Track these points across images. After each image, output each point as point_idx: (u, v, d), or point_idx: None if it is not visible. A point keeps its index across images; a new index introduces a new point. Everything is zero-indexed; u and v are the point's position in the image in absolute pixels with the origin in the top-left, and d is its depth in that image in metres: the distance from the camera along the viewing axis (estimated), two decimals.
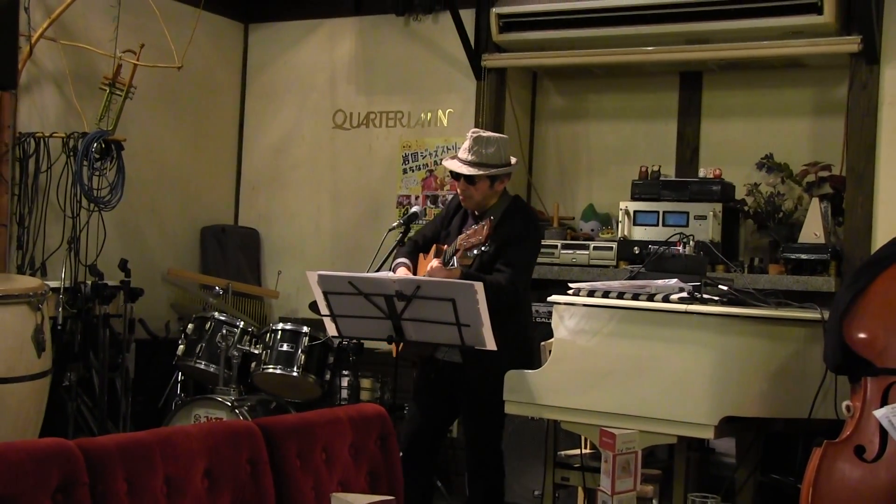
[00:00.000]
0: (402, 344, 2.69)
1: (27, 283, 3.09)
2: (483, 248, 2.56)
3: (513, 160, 2.84)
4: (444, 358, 2.82)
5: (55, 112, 3.93)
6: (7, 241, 3.70)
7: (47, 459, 1.54)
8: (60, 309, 3.48)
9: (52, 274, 3.68)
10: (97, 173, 3.70)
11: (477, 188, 2.78)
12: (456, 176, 2.82)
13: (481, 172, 2.76)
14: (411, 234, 2.98)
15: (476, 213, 2.86)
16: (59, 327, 3.45)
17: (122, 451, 1.65)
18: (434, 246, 2.88)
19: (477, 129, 2.87)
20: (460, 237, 2.63)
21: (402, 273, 2.80)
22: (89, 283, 3.61)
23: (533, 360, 2.88)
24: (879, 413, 1.98)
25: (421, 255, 2.94)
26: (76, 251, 3.69)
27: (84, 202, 3.70)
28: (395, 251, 2.93)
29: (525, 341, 2.85)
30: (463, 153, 2.81)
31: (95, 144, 3.65)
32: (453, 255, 2.67)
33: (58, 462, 1.55)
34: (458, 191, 2.84)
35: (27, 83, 3.82)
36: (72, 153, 3.71)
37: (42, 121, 3.88)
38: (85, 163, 3.64)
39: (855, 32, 3.53)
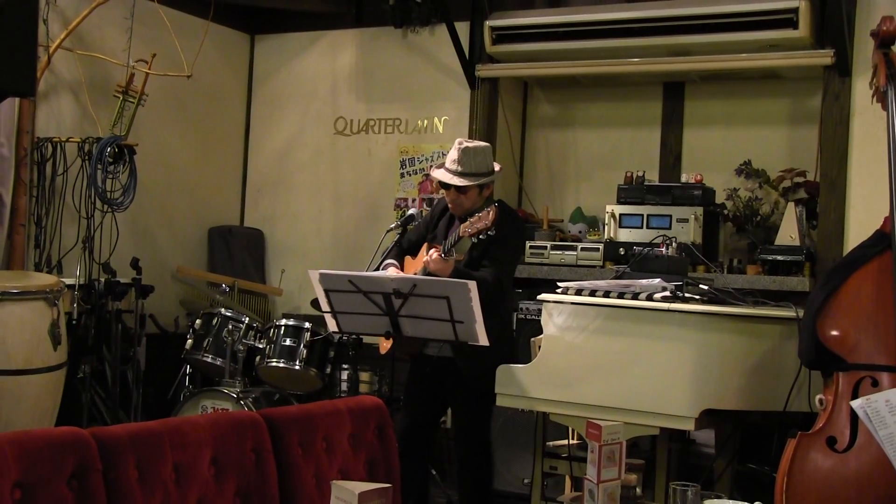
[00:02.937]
0: (392, 342, 2.71)
1: (44, 280, 3.08)
2: (490, 233, 2.57)
3: (497, 167, 2.85)
4: (434, 354, 2.82)
5: (71, 118, 3.93)
6: (25, 240, 3.69)
7: (63, 447, 1.54)
8: (75, 305, 3.47)
9: (68, 271, 3.68)
10: (110, 176, 3.70)
11: (467, 196, 2.79)
12: (446, 186, 2.82)
13: (471, 183, 2.76)
14: (407, 234, 2.98)
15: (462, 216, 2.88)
16: (73, 322, 3.44)
17: (134, 440, 1.65)
18: (425, 245, 2.88)
19: (463, 140, 2.85)
20: (462, 225, 2.64)
21: (393, 273, 2.81)
22: (103, 280, 3.61)
23: (515, 350, 2.92)
24: (855, 404, 1.99)
25: (408, 257, 2.95)
26: (90, 250, 3.68)
27: (98, 204, 3.69)
28: (386, 254, 2.94)
29: (508, 334, 2.90)
30: (451, 164, 2.80)
31: (109, 149, 3.65)
32: (453, 245, 2.68)
33: (73, 450, 1.54)
34: (448, 199, 2.84)
35: (45, 91, 3.82)
36: (87, 157, 3.70)
37: (59, 126, 3.87)
38: (99, 166, 3.63)
39: (828, 46, 3.54)
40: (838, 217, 3.53)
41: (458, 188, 2.78)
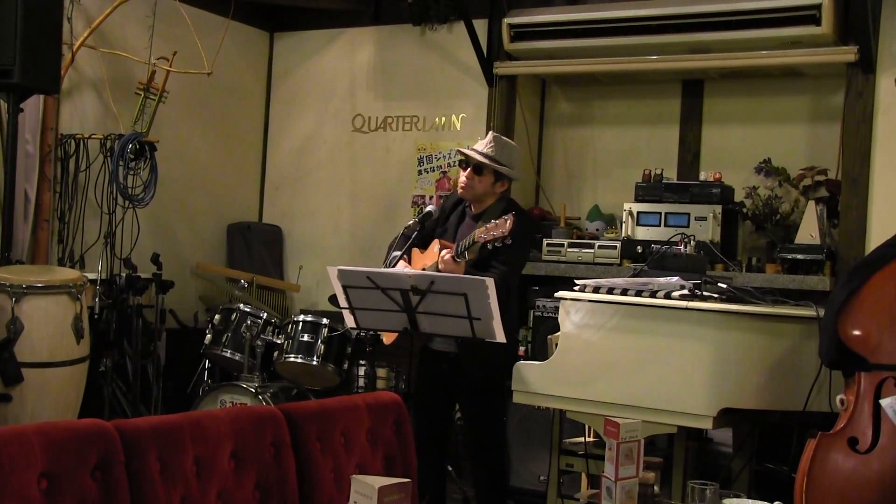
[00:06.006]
0: (395, 336, 2.72)
1: (67, 274, 3.13)
2: (507, 242, 2.57)
3: (518, 173, 2.90)
4: (438, 348, 2.83)
5: (94, 115, 3.97)
6: (49, 235, 3.74)
7: (87, 439, 1.56)
8: (97, 299, 3.51)
9: (90, 266, 3.72)
10: (132, 173, 3.73)
11: (481, 180, 2.83)
12: (464, 164, 2.86)
13: (491, 164, 2.81)
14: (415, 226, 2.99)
15: (474, 210, 2.89)
16: (95, 316, 3.49)
17: (156, 433, 1.67)
18: (435, 241, 2.88)
19: (499, 134, 2.92)
20: (478, 230, 2.63)
21: (401, 266, 2.81)
22: (124, 275, 3.65)
23: (516, 349, 2.97)
24: (885, 402, 1.97)
25: (416, 249, 2.95)
26: (112, 245, 3.72)
27: (120, 200, 3.73)
28: (394, 245, 2.96)
29: (512, 333, 2.88)
30: (479, 146, 2.86)
31: (130, 146, 3.69)
32: (466, 248, 2.68)
33: (97, 442, 1.56)
34: (462, 179, 2.86)
35: (69, 88, 3.86)
36: (109, 154, 3.75)
37: (82, 123, 3.92)
38: (121, 163, 3.67)
39: (852, 43, 3.49)
40: (860, 216, 3.49)
41: (475, 167, 2.82)
